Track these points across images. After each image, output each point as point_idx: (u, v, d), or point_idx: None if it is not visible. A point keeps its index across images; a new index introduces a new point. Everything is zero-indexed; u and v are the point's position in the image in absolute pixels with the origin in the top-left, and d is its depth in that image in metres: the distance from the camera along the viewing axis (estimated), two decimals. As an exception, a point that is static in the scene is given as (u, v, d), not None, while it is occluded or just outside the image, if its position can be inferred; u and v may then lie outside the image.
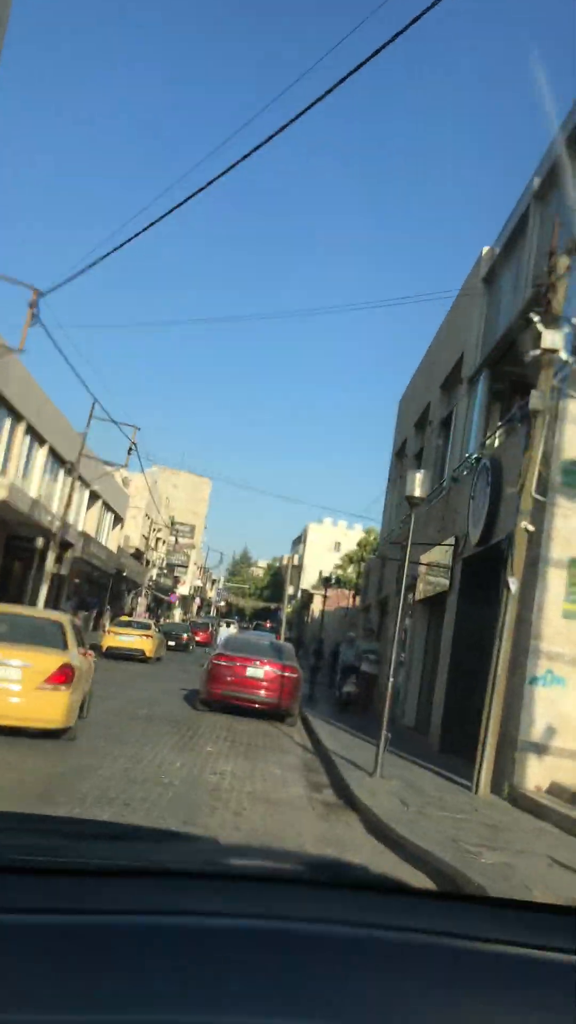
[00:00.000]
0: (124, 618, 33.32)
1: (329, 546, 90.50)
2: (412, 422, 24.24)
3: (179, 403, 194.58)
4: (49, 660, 9.22)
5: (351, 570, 71.20)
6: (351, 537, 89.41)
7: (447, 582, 15.01)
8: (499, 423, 15.29)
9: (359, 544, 71.91)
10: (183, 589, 78.81)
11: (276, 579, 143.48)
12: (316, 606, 56.60)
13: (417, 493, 10.75)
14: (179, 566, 73.06)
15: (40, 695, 9.01)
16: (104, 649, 25.41)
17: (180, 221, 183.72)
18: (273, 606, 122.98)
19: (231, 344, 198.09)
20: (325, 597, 33.53)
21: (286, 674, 15.44)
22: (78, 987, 0.95)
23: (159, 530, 59.32)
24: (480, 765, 10.14)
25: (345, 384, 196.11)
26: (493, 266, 17.88)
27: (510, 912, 1.42)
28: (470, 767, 11.38)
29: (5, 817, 1.81)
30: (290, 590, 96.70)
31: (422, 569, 16.89)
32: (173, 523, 67.31)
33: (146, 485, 51.62)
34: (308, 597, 59.52)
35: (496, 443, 14.88)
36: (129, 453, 29.81)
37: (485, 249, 18.43)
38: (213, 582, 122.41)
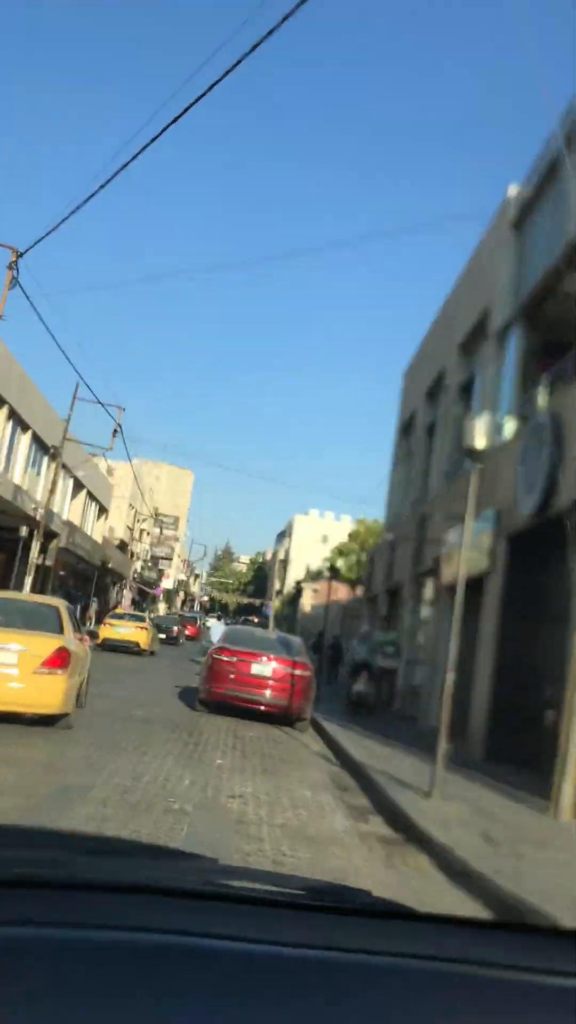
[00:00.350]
0: (119, 610, 33.19)
1: (316, 538, 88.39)
2: (423, 392, 22.22)
3: (165, 383, 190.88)
4: (45, 644, 9.08)
5: (342, 562, 69.30)
6: (339, 529, 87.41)
7: (486, 562, 12.96)
8: (542, 376, 13.25)
9: (350, 535, 69.85)
10: (167, 583, 76.53)
11: (260, 574, 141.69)
12: (307, 600, 54.64)
13: (481, 444, 8.71)
14: (163, 559, 70.77)
15: (37, 680, 8.84)
16: (100, 641, 24.78)
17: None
18: (257, 602, 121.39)
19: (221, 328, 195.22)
20: (329, 587, 31.43)
21: (297, 672, 13.36)
22: (75, 1003, 0.94)
23: (143, 520, 57.04)
24: (559, 784, 8.14)
25: (338, 370, 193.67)
26: (523, 208, 15.86)
27: (517, 937, 1.41)
28: (529, 779, 9.44)
29: (6, 831, 1.79)
30: (276, 585, 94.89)
31: (452, 549, 14.86)
32: (157, 514, 65.00)
33: (131, 473, 49.36)
34: (298, 590, 57.38)
35: (541, 400, 12.86)
36: (114, 435, 27.59)
37: (512, 189, 16.40)
38: (196, 577, 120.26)
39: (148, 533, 65.09)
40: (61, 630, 9.66)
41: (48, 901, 1.18)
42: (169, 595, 78.35)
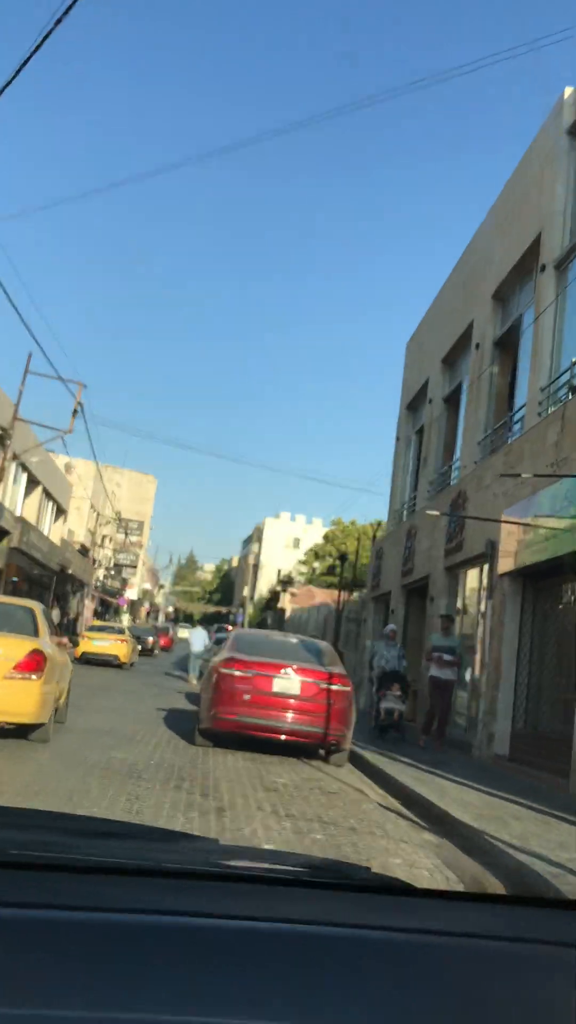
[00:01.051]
0: (97, 622, 33.01)
1: (287, 543, 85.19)
2: (437, 359, 19.09)
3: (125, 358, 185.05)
4: (18, 646, 8.49)
5: (317, 565, 66.14)
6: (312, 532, 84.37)
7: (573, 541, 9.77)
8: None
9: (326, 537, 66.76)
10: (131, 593, 72.54)
11: (226, 582, 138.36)
12: (286, 604, 51.30)
13: None
14: (128, 566, 66.84)
15: (9, 685, 8.22)
16: (79, 655, 23.89)
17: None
18: (224, 610, 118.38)
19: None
20: (340, 591, 28.11)
21: (334, 687, 10.03)
22: (75, 984, 0.93)
23: (106, 523, 53.20)
24: None
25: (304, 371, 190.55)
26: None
27: (518, 909, 1.41)
28: None
29: (3, 812, 1.81)
30: (245, 591, 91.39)
31: (514, 528, 11.66)
32: (120, 518, 61.13)
33: (92, 471, 45.62)
34: (275, 595, 54.00)
35: None
36: (75, 415, 23.98)
37: (568, 91, 13.38)
38: (160, 587, 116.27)
39: (111, 539, 61.23)
40: (36, 632, 9.00)
41: (44, 883, 1.17)
42: (133, 606, 74.35)
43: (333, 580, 63.52)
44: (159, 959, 0.99)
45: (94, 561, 51.56)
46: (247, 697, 9.85)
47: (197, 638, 27.40)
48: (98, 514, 50.04)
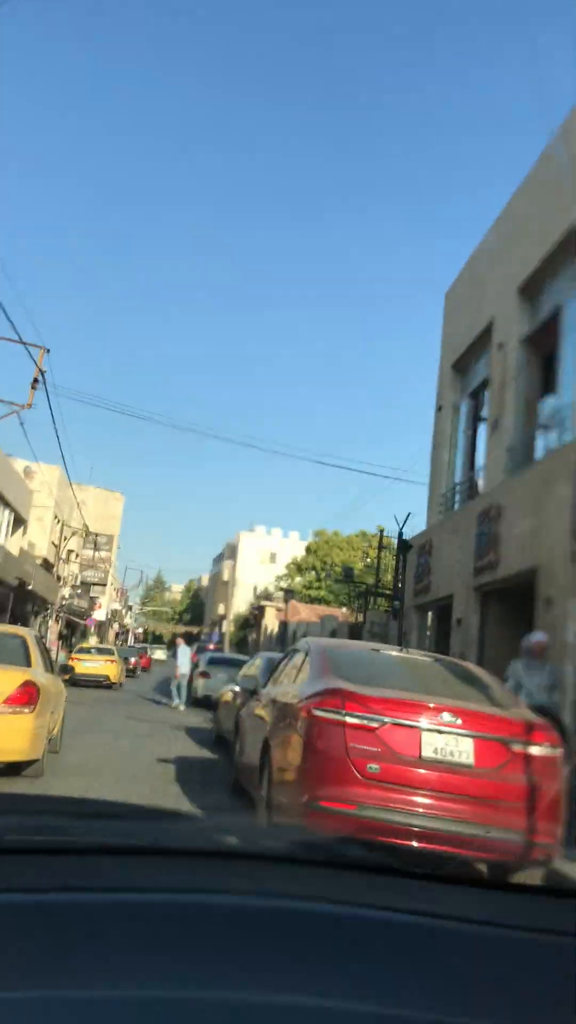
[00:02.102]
0: (85, 644, 33.96)
1: (263, 557, 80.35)
2: (514, 286, 14.73)
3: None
4: (9, 678, 7.86)
5: (298, 580, 61.58)
6: (289, 546, 79.82)
7: None
8: None
9: (308, 549, 62.20)
10: (99, 614, 67.13)
11: (196, 602, 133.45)
12: (270, 621, 46.60)
13: None
14: (96, 584, 61.50)
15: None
16: (67, 677, 22.78)
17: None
18: (195, 630, 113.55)
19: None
20: (365, 603, 23.52)
21: (534, 748, 5.43)
22: (74, 965, 0.94)
23: (73, 534, 48.07)
24: None
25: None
26: None
27: (512, 895, 1.44)
28: None
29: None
30: (220, 609, 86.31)
31: None
32: (87, 532, 55.99)
33: (56, 476, 40.63)
34: (260, 610, 49.30)
35: None
36: (34, 386, 19.22)
37: None
38: (129, 608, 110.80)
39: (77, 555, 56.08)
40: (28, 662, 8.46)
41: (41, 866, 1.17)
42: (102, 627, 68.96)
43: (318, 594, 59.11)
44: (157, 936, 0.99)
45: (59, 578, 46.42)
46: (374, 768, 5.21)
47: (184, 658, 23.00)
48: (63, 524, 44.95)
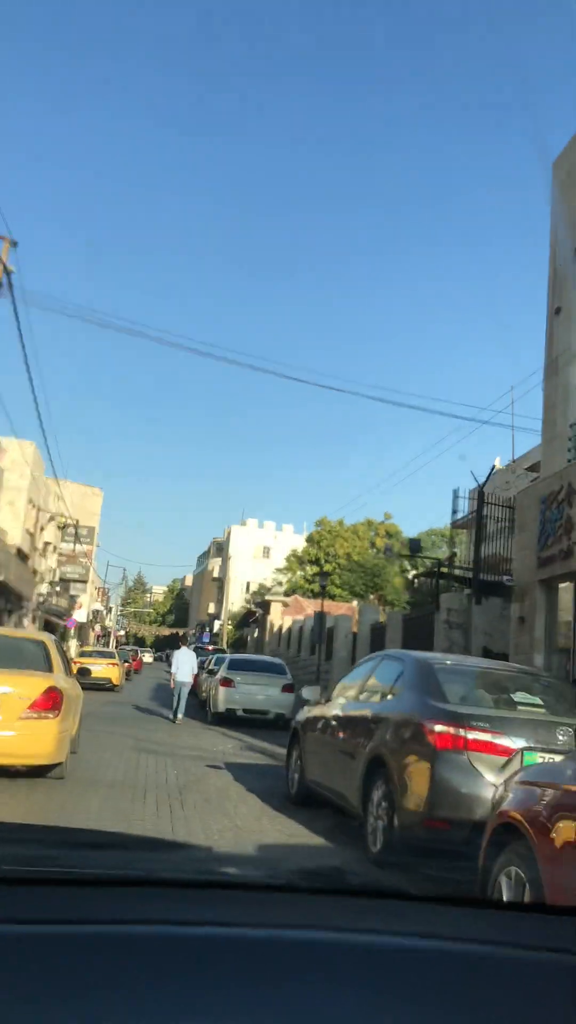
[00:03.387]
0: (88, 647, 35.43)
1: (256, 552, 75.23)
2: None
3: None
4: (33, 684, 8.01)
5: (300, 574, 56.49)
6: (283, 540, 74.80)
7: None
8: None
9: (310, 540, 57.14)
10: (80, 614, 61.62)
11: (179, 603, 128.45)
12: (276, 618, 41.50)
13: None
14: (76, 581, 56.03)
15: (25, 725, 7.76)
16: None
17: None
18: (180, 631, 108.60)
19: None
20: (436, 585, 18.46)
21: None
22: (70, 998, 0.93)
23: (50, 519, 42.63)
24: None
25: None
26: None
27: (509, 914, 1.42)
28: None
29: None
30: (211, 608, 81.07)
31: None
32: (65, 525, 50.57)
33: (31, 454, 35.31)
34: (264, 605, 44.20)
35: None
36: (-3, 288, 13.99)
37: None
38: (110, 610, 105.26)
39: (56, 548, 50.63)
40: (50, 667, 8.52)
41: (36, 897, 1.15)
42: (82, 629, 63.45)
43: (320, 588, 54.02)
44: (154, 969, 0.98)
45: (35, 572, 41.03)
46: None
47: (184, 663, 17.85)
48: (38, 510, 39.55)
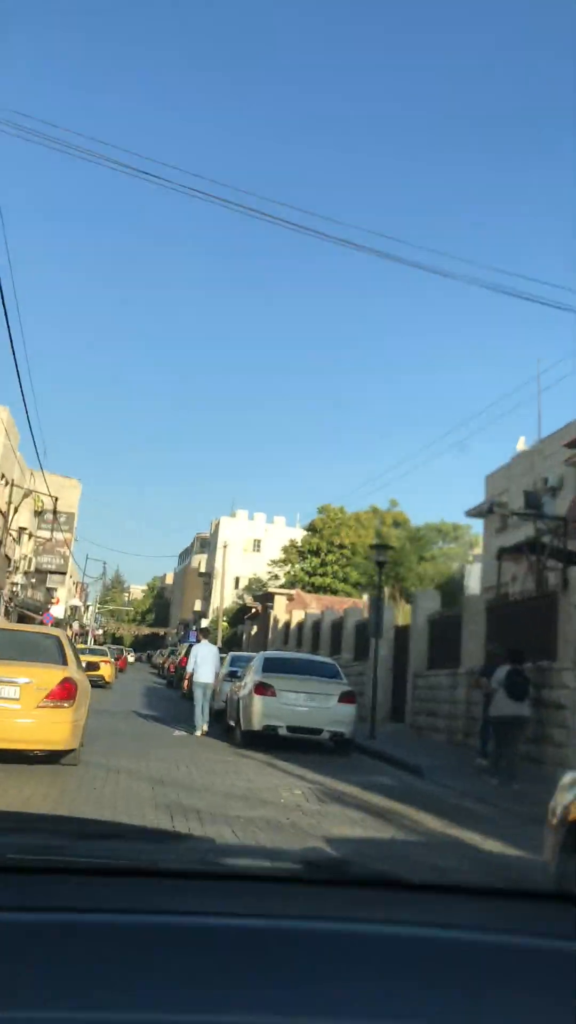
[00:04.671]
0: (81, 645, 33.36)
1: (247, 545, 70.51)
2: None
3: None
4: (49, 675, 8.60)
5: (300, 567, 51.95)
6: (275, 532, 70.21)
7: None
8: None
9: (309, 528, 52.60)
10: (57, 610, 56.56)
11: (160, 601, 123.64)
12: (280, 612, 36.88)
13: None
14: (54, 573, 51.06)
15: (42, 714, 8.33)
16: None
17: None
18: (161, 631, 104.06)
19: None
20: (539, 564, 13.92)
21: None
22: (75, 987, 0.93)
23: (24, 496, 37.63)
24: None
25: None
26: None
27: (514, 902, 1.41)
28: None
29: (1, 816, 1.78)
30: (196, 605, 76.24)
31: None
32: (42, 511, 45.60)
33: (5, 419, 30.49)
34: (267, 597, 39.59)
35: None
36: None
37: None
38: (88, 607, 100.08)
39: (31, 535, 45.62)
40: (64, 660, 9.12)
41: (42, 887, 1.16)
42: (60, 625, 58.38)
43: (323, 581, 49.53)
44: (157, 959, 0.99)
45: (8, 560, 36.12)
46: None
47: (205, 661, 14.47)
48: (12, 486, 34.59)
